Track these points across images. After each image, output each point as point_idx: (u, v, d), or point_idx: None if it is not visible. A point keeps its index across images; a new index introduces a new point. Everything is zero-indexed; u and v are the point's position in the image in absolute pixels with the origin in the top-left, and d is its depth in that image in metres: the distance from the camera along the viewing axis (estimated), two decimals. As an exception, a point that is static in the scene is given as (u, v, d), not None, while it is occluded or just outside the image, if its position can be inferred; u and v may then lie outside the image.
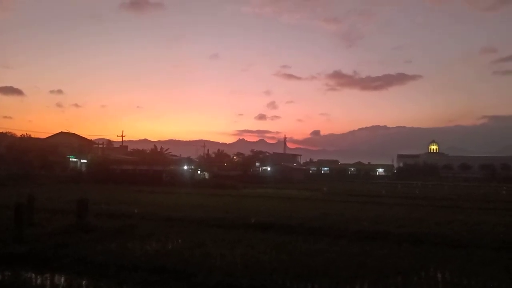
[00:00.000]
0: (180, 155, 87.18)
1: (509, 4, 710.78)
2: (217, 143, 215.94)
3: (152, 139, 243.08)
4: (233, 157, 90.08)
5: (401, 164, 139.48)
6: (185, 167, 62.56)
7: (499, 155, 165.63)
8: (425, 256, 10.45)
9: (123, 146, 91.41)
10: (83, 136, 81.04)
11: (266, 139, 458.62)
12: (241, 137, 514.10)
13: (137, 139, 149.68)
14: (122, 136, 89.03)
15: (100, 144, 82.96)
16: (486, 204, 29.16)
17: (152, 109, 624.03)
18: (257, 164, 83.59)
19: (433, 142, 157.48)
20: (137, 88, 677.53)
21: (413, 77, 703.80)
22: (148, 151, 71.71)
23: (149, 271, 8.83)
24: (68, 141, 68.65)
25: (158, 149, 72.32)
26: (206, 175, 65.06)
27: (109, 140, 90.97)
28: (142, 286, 8.18)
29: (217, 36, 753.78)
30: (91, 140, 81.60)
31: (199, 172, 66.09)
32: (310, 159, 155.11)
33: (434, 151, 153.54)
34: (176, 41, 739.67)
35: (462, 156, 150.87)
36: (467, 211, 23.73)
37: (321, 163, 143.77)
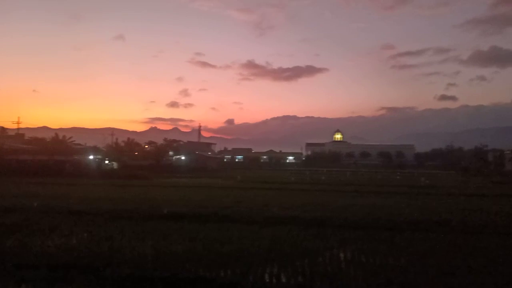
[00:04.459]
0: (86, 144, 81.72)
1: (406, 4, 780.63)
2: (127, 132, 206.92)
3: (52, 127, 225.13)
4: (145, 146, 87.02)
5: (309, 152, 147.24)
6: (91, 157, 59.07)
7: (394, 143, 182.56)
8: (329, 238, 11.23)
9: (19, 134, 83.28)
10: (-31, 122, 72.21)
11: (180, 128, 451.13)
12: (153, 125, 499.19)
13: (35, 127, 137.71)
14: (18, 123, 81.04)
15: (-9, 131, 74.79)
16: (382, 188, 32.18)
17: (52, 93, 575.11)
18: (171, 153, 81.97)
19: (337, 131, 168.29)
20: (33, 69, 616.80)
21: (320, 70, 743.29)
22: (48, 140, 66.25)
23: (52, 268, 8.23)
24: (-49, 128, 60.65)
25: (60, 138, 67.25)
26: (115, 165, 62.12)
27: (2, 127, 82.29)
28: (44, 284, 7.61)
29: (122, 17, 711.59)
30: (-20, 127, 73.09)
31: (107, 162, 62.86)
32: (225, 147, 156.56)
33: (338, 140, 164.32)
34: (76, 19, 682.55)
35: (363, 144, 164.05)
36: (365, 195, 26.09)
37: (235, 151, 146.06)
